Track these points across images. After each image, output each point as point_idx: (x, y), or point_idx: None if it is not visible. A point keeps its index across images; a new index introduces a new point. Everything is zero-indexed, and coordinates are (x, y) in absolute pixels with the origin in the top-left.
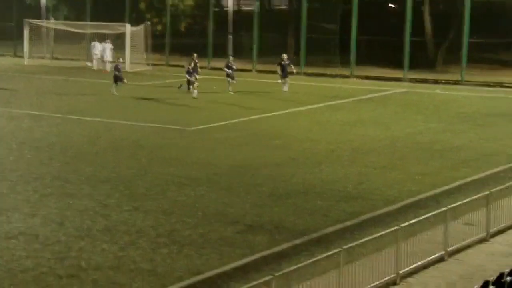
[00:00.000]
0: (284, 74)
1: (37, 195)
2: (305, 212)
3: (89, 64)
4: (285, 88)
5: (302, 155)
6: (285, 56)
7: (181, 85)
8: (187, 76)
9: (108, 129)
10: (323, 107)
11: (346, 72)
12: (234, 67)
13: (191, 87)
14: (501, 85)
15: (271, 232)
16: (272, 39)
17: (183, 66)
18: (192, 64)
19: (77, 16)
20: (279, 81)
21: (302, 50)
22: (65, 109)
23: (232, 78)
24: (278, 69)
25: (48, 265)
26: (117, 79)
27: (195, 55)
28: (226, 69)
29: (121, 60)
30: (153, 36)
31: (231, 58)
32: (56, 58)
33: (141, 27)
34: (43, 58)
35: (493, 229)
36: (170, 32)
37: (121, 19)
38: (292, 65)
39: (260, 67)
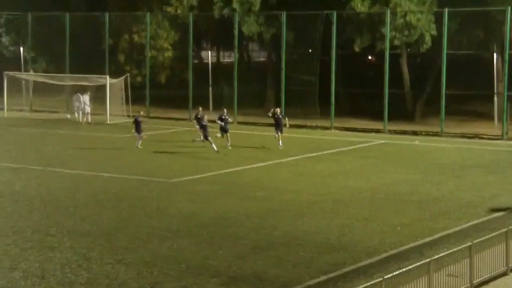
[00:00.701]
0: (279, 127)
1: (17, 249)
2: (288, 264)
3: (69, 116)
4: (281, 143)
5: (284, 206)
6: (278, 110)
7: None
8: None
9: (88, 181)
10: (304, 158)
11: (326, 123)
12: (229, 120)
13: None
14: (477, 136)
15: (254, 285)
16: (252, 91)
17: (163, 118)
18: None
19: (56, 68)
20: (276, 135)
21: (282, 102)
22: (45, 161)
23: (226, 132)
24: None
25: None
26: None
27: (201, 108)
28: (219, 121)
29: (142, 113)
30: (133, 88)
31: (225, 110)
32: (35, 111)
33: (120, 79)
34: (22, 110)
35: (476, 281)
36: (150, 84)
37: (100, 71)
38: (286, 118)
39: (241, 118)
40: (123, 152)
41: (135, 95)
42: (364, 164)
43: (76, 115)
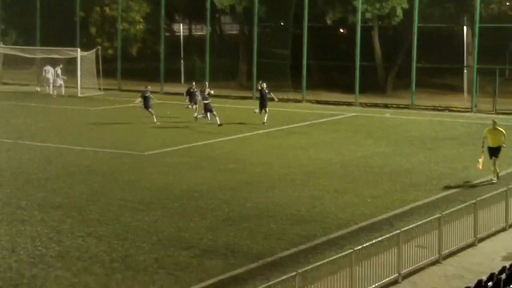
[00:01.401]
0: (264, 104)
1: None
2: (259, 236)
3: (38, 89)
4: (265, 119)
5: (256, 179)
6: (264, 84)
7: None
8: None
9: (59, 154)
10: (276, 131)
11: (298, 96)
12: (210, 93)
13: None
14: (448, 109)
15: (226, 256)
16: (224, 64)
17: (135, 91)
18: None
19: (27, 41)
20: (256, 111)
21: (253, 75)
22: (15, 134)
23: (195, 104)
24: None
25: None
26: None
27: (207, 83)
28: (203, 100)
29: (149, 88)
30: (104, 60)
31: (206, 84)
32: (5, 83)
33: (92, 52)
34: None
35: (445, 252)
36: (122, 57)
37: (71, 44)
38: (272, 93)
39: (213, 91)
40: (95, 125)
41: (106, 67)
42: (335, 136)
43: (47, 87)
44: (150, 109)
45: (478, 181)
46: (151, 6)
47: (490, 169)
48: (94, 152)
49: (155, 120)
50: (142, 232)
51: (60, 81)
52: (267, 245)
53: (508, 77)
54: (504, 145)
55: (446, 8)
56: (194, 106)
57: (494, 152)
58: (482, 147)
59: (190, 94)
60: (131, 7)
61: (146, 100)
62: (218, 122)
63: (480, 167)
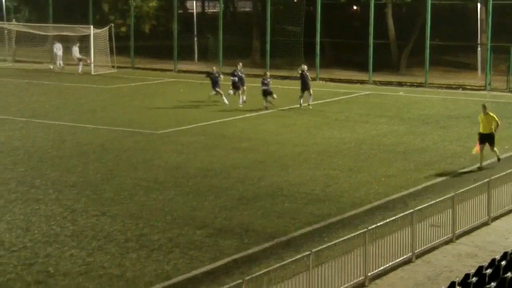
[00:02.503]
0: (307, 86)
1: (2, 201)
2: (273, 215)
3: (51, 66)
4: (311, 100)
5: (269, 158)
6: (305, 66)
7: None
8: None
9: (73, 133)
10: (289, 110)
11: (311, 74)
12: (242, 75)
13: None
14: (462, 87)
15: (241, 236)
16: (237, 42)
17: (148, 69)
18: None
19: (39, 18)
20: (300, 94)
21: (267, 53)
22: (29, 112)
23: (238, 89)
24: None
25: (15, 271)
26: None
27: (241, 64)
28: (231, 77)
29: (214, 69)
30: (118, 38)
31: (239, 65)
32: (19, 61)
33: (105, 29)
34: (5, 60)
35: (458, 231)
36: (135, 34)
37: (84, 21)
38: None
39: (227, 69)
40: (108, 104)
41: (119, 45)
42: (348, 115)
43: (58, 64)
44: (218, 89)
45: (492, 160)
46: None
47: (497, 151)
48: (107, 130)
49: (227, 102)
50: (156, 211)
51: (78, 60)
52: (281, 224)
53: None
54: (495, 132)
55: None
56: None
57: (485, 138)
58: (479, 133)
59: (239, 78)
60: None
61: (214, 82)
62: (240, 102)
63: (477, 150)
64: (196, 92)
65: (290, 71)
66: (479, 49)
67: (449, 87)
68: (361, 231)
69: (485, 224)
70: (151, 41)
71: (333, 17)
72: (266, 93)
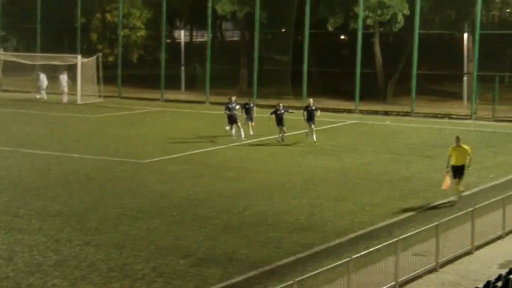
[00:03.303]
0: (312, 120)
1: None
2: (258, 244)
3: (37, 96)
4: (315, 137)
5: (255, 187)
6: (311, 100)
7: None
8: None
9: (59, 162)
10: (276, 138)
11: (298, 103)
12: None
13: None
14: (448, 116)
15: (224, 265)
16: (225, 71)
17: (135, 98)
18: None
19: (27, 47)
20: (309, 129)
21: (254, 82)
22: (15, 142)
23: (234, 122)
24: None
25: None
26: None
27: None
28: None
29: (233, 99)
30: (105, 67)
31: (251, 100)
32: (5, 90)
33: (93, 59)
34: None
35: (442, 260)
36: (122, 63)
37: (72, 51)
38: (318, 110)
39: (213, 99)
40: (94, 133)
41: (107, 74)
42: (335, 144)
43: (42, 93)
44: (250, 121)
45: (476, 189)
46: (152, 12)
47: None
48: (93, 160)
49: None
50: (140, 240)
51: (65, 89)
52: (266, 254)
53: (507, 84)
54: (470, 168)
55: (447, 14)
56: (251, 123)
57: (457, 171)
58: (447, 166)
59: (247, 110)
60: (132, 13)
61: (248, 112)
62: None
63: (447, 185)
64: (182, 121)
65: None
66: (465, 78)
67: (435, 116)
68: (345, 260)
69: (469, 253)
70: (138, 70)
71: (321, 46)
72: (232, 120)
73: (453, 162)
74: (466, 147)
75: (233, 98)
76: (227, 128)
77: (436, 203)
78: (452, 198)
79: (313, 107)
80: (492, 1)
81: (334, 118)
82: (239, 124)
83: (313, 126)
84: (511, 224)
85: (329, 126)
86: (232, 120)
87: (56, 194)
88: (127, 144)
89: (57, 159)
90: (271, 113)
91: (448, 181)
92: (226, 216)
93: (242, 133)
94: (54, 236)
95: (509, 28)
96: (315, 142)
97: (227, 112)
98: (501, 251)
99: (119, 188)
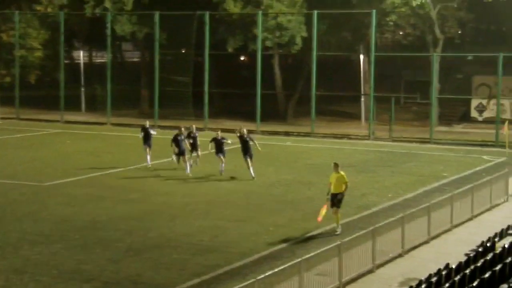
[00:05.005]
0: (248, 153)
1: None
2: (162, 266)
3: None
4: (252, 172)
5: (158, 208)
6: (245, 129)
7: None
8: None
9: None
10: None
11: (200, 124)
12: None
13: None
14: (347, 136)
15: None
16: (126, 92)
17: (34, 119)
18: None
19: None
20: (247, 162)
21: (155, 103)
22: None
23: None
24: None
25: None
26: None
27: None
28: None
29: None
30: (2, 88)
31: (194, 127)
32: None
33: None
34: None
35: (345, 279)
36: (20, 84)
37: None
38: (255, 141)
39: (115, 120)
40: None
41: (3, 96)
42: (237, 164)
43: None
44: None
45: (375, 208)
46: (50, 32)
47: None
48: None
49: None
50: (42, 265)
51: None
52: (170, 276)
53: (403, 105)
54: (342, 194)
55: (343, 37)
56: (196, 153)
57: (334, 199)
58: (327, 194)
59: (193, 139)
60: (29, 33)
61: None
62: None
63: (320, 218)
64: (83, 143)
65: (178, 121)
66: (362, 99)
67: (334, 136)
68: (250, 281)
69: (370, 271)
70: (37, 91)
71: (221, 67)
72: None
73: (333, 190)
74: (343, 173)
75: (183, 130)
76: (174, 158)
77: (339, 223)
78: (336, 227)
79: (248, 138)
80: (385, 24)
81: (236, 139)
82: (186, 157)
83: (250, 159)
84: (410, 243)
85: (232, 147)
86: (180, 152)
87: None
88: (26, 166)
89: None
90: (211, 140)
91: (323, 213)
92: (129, 239)
93: (188, 166)
94: None
95: (402, 51)
96: (253, 177)
97: (174, 143)
98: (401, 269)
99: (19, 212)
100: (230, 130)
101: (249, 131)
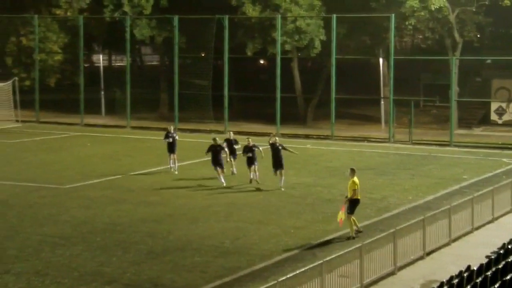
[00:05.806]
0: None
1: None
2: (183, 269)
3: None
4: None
5: (178, 211)
6: (277, 138)
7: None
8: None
9: None
10: (197, 163)
11: (219, 128)
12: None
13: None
14: (367, 139)
15: None
16: (145, 95)
17: (54, 122)
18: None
19: None
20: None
21: (175, 106)
22: None
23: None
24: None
25: None
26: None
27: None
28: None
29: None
30: (22, 92)
31: (231, 133)
32: None
33: (8, 83)
34: None
35: (366, 281)
36: (39, 88)
37: None
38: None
39: (134, 123)
40: (12, 158)
41: (24, 99)
42: (258, 167)
43: None
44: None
45: (396, 211)
46: (69, 36)
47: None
48: (11, 186)
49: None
50: (63, 267)
51: None
52: (191, 278)
53: (422, 108)
54: (351, 200)
55: (362, 40)
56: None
57: (351, 204)
58: (346, 196)
59: (230, 145)
60: (48, 37)
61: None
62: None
63: (339, 223)
64: (103, 146)
65: (198, 124)
66: (382, 102)
67: (354, 139)
68: (271, 283)
69: (392, 273)
70: (56, 94)
71: (240, 70)
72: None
73: (349, 194)
74: (354, 179)
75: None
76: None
77: (359, 225)
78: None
79: (279, 147)
80: (405, 28)
81: (257, 142)
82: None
83: (280, 171)
84: (431, 245)
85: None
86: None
87: None
88: (46, 169)
89: None
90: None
91: (341, 216)
92: (151, 241)
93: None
94: None
95: (421, 54)
96: (281, 188)
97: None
98: (422, 271)
99: (39, 215)
100: (250, 133)
101: (268, 134)
